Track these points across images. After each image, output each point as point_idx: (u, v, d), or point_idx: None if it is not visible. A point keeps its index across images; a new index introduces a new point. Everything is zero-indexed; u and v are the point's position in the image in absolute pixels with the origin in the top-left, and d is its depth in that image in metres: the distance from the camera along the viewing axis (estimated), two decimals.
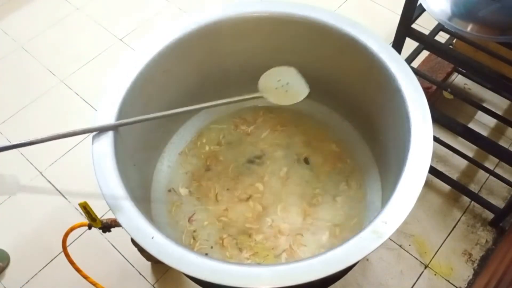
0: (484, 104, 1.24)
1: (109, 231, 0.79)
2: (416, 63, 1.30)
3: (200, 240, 0.89)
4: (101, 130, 0.73)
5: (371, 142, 0.97)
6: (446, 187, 1.20)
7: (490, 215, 1.15)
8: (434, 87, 1.25)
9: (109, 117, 0.75)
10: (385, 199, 0.85)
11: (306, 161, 0.98)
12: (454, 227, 1.15)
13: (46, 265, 1.13)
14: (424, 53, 1.27)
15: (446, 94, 1.35)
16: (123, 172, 0.72)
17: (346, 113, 1.02)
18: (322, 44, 0.90)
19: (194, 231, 0.90)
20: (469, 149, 1.24)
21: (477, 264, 1.10)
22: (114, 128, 0.74)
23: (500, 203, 1.16)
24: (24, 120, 1.39)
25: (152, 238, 0.64)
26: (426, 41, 1.06)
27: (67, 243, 0.84)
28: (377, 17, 1.60)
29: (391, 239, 1.13)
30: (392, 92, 0.79)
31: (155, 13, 1.66)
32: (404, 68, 0.79)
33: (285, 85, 0.84)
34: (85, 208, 0.72)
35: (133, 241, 0.75)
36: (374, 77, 0.83)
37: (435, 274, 1.09)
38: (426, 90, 1.22)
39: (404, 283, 1.08)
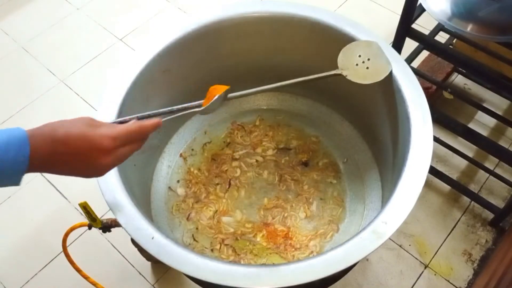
0: (484, 104, 1.24)
1: (109, 231, 0.79)
2: (416, 63, 1.30)
3: (200, 241, 0.89)
4: None
5: (371, 142, 0.97)
6: (446, 187, 1.20)
7: (490, 215, 1.15)
8: (434, 87, 1.25)
9: (109, 117, 0.75)
10: (385, 199, 0.85)
11: (305, 162, 0.98)
12: (454, 227, 1.15)
13: (46, 265, 1.13)
14: (424, 53, 1.26)
15: (446, 94, 1.35)
16: (123, 172, 0.72)
17: (346, 113, 1.02)
18: (322, 44, 0.90)
19: (194, 232, 0.90)
20: (469, 149, 1.24)
21: (477, 264, 1.10)
22: None
23: (500, 203, 1.16)
24: (24, 120, 1.39)
25: (152, 238, 0.64)
26: (426, 41, 1.06)
27: (67, 243, 0.84)
28: (377, 17, 1.60)
29: (391, 239, 1.13)
30: (392, 92, 0.79)
31: (155, 13, 1.66)
32: (404, 68, 0.79)
33: (366, 61, 0.78)
34: (85, 208, 0.72)
35: (133, 241, 0.75)
36: None
37: (435, 274, 1.09)
38: (426, 90, 1.22)
39: (404, 283, 1.08)
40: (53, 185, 1.25)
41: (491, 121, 1.31)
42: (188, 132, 1.03)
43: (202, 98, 0.78)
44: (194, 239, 0.89)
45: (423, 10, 0.99)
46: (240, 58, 0.97)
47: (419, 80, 0.78)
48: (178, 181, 0.97)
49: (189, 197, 0.94)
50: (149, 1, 1.70)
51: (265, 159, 0.99)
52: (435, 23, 1.18)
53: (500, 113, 1.25)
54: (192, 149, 1.01)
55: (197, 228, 0.90)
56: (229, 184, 0.95)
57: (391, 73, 0.78)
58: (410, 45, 1.11)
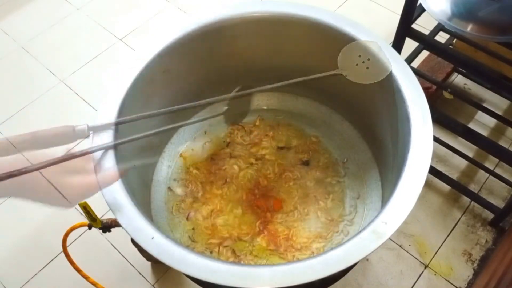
0: (484, 104, 1.24)
1: (109, 231, 0.79)
2: (416, 63, 1.30)
3: (199, 241, 0.89)
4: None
5: (371, 142, 0.97)
6: (446, 187, 1.20)
7: (490, 215, 1.15)
8: (434, 87, 1.25)
9: (109, 118, 0.75)
10: (385, 199, 0.85)
11: (305, 162, 0.98)
12: (454, 227, 1.15)
13: (46, 265, 1.13)
14: (424, 53, 1.27)
15: (446, 94, 1.35)
16: None
17: (346, 113, 1.02)
18: (322, 44, 0.90)
19: (194, 232, 0.90)
20: (469, 149, 1.24)
21: (477, 264, 1.10)
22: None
23: (500, 203, 1.16)
24: (24, 120, 1.39)
25: (152, 238, 0.64)
26: (426, 41, 1.06)
27: (67, 243, 0.84)
28: (377, 17, 1.60)
29: (391, 239, 1.13)
30: (392, 92, 0.79)
31: (155, 13, 1.66)
32: (404, 68, 0.79)
33: (366, 61, 0.79)
34: (85, 208, 0.72)
35: (133, 241, 0.75)
36: None
37: (435, 274, 1.09)
38: (426, 90, 1.22)
39: (404, 283, 1.08)
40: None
41: (491, 121, 1.31)
42: (188, 132, 1.03)
43: (202, 98, 0.78)
44: (194, 240, 0.89)
45: (423, 10, 0.99)
46: (240, 58, 0.97)
47: (419, 80, 0.78)
48: (178, 181, 0.97)
49: (189, 197, 0.94)
50: (149, 1, 1.70)
51: (265, 158, 0.99)
52: (435, 23, 1.18)
53: (500, 113, 1.25)
54: (192, 149, 1.01)
55: (196, 229, 0.90)
56: (229, 183, 0.95)
57: (391, 73, 0.78)
58: (410, 45, 1.11)
